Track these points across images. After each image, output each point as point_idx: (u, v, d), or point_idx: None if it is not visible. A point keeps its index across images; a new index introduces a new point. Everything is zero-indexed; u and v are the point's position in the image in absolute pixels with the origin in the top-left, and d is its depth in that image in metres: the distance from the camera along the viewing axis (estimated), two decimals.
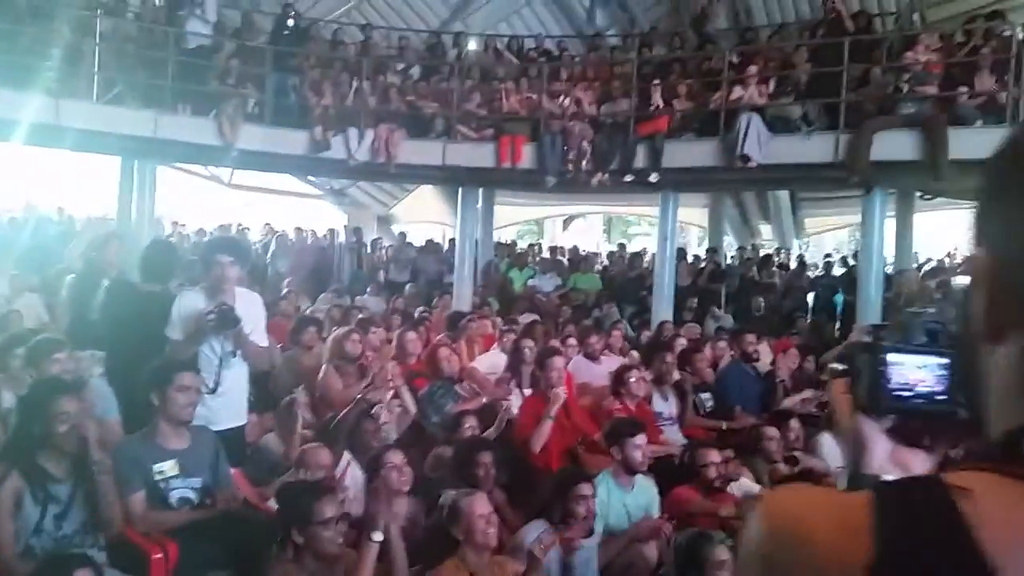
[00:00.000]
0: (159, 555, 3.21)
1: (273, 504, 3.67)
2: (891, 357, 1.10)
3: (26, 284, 8.29)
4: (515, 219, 19.35)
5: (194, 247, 11.68)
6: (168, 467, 3.39)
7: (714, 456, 4.49)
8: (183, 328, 4.05)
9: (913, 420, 1.10)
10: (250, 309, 4.22)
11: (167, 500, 3.40)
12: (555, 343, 7.04)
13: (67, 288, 7.83)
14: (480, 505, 3.30)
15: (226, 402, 4.11)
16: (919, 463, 1.07)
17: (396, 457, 3.75)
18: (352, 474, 4.06)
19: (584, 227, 23.02)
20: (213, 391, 3.99)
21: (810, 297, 12.25)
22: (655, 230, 14.73)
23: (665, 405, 5.76)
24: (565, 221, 21.77)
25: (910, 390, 1.09)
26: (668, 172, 9.87)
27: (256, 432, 4.72)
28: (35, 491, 3.07)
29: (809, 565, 0.64)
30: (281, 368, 6.26)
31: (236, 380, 4.20)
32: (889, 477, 1.02)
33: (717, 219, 15.37)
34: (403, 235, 15.06)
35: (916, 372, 1.10)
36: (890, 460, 1.07)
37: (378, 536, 3.02)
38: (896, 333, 1.13)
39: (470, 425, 4.78)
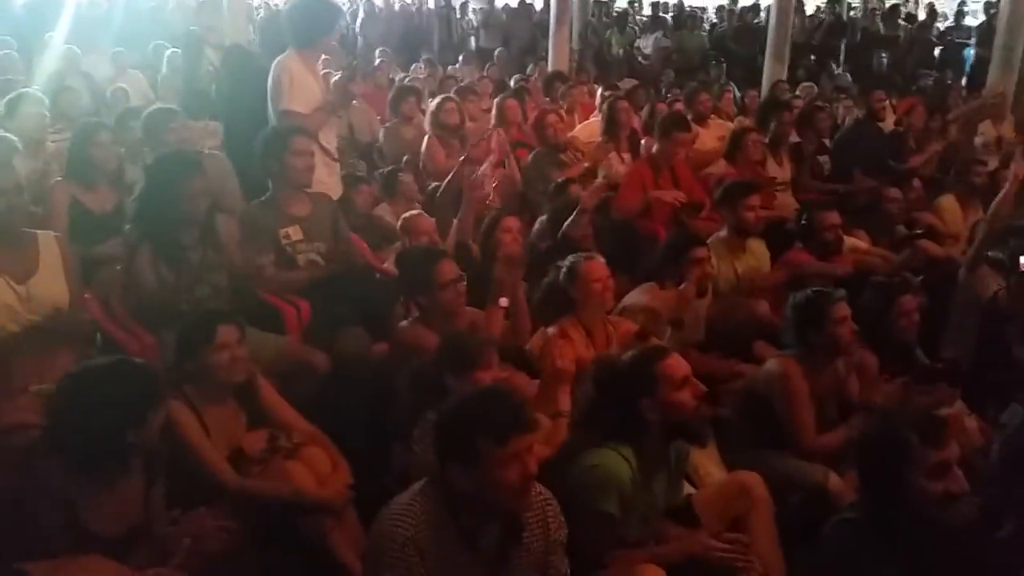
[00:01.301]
0: (292, 311, 3.41)
1: (392, 268, 3.81)
2: None
3: (128, 62, 8.33)
4: None
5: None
6: (293, 231, 3.49)
7: (831, 218, 4.33)
8: (297, 98, 3.86)
9: None
10: None
11: (294, 263, 3.53)
12: (662, 107, 6.74)
13: (170, 61, 7.85)
14: (597, 267, 3.32)
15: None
16: None
17: (512, 223, 3.78)
18: None
19: None
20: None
21: (937, 52, 11.21)
22: None
23: (779, 170, 5.50)
24: None
25: None
26: None
27: (368, 203, 4.80)
28: (168, 257, 3.13)
29: None
30: (384, 140, 6.27)
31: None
32: None
33: None
34: None
35: None
36: None
37: (504, 301, 3.09)
38: None
39: (574, 192, 4.72)
